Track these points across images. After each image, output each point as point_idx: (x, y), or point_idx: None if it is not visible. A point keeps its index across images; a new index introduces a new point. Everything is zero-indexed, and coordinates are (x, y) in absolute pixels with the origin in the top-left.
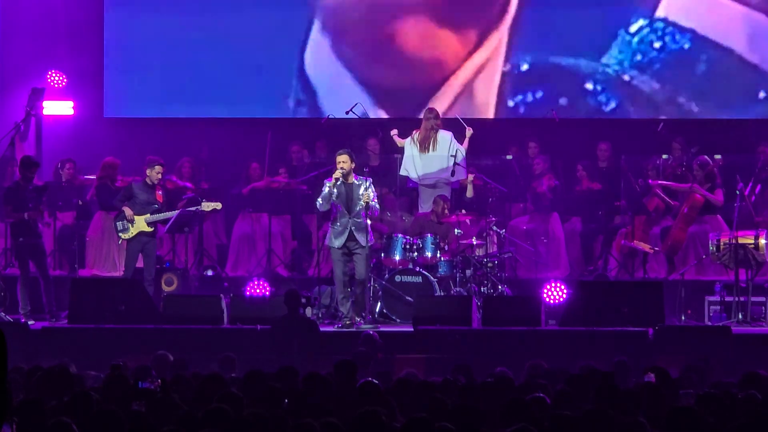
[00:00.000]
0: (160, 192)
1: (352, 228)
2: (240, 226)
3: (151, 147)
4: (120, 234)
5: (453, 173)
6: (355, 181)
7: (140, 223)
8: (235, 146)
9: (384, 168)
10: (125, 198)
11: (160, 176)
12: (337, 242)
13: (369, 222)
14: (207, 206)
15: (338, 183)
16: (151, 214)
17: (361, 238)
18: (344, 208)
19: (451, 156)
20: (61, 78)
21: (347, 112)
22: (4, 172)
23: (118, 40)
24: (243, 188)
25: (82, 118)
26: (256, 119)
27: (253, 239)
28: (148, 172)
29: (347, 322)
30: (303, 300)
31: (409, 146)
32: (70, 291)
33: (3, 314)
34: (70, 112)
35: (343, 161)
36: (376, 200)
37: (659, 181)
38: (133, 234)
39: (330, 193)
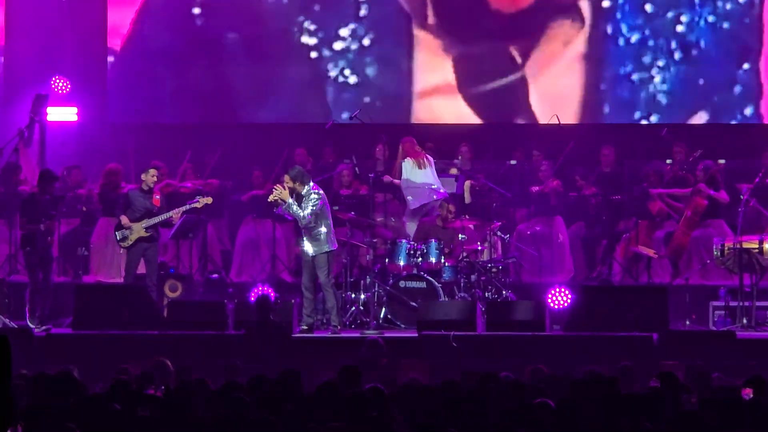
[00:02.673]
0: (158, 196)
1: (305, 236)
2: (244, 231)
3: (154, 153)
4: (120, 243)
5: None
6: (302, 192)
7: (138, 230)
8: (240, 151)
9: (389, 174)
10: (125, 207)
11: (155, 179)
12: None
13: (322, 229)
14: (200, 202)
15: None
16: (148, 219)
17: (308, 247)
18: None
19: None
20: (65, 84)
21: (351, 118)
22: (8, 179)
23: (121, 46)
24: (244, 195)
25: (87, 124)
26: (260, 125)
27: (257, 245)
28: (143, 176)
29: (304, 328)
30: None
31: (407, 168)
32: (74, 297)
33: (7, 320)
34: (74, 118)
35: (285, 181)
36: (304, 208)
37: (659, 190)
38: (133, 241)
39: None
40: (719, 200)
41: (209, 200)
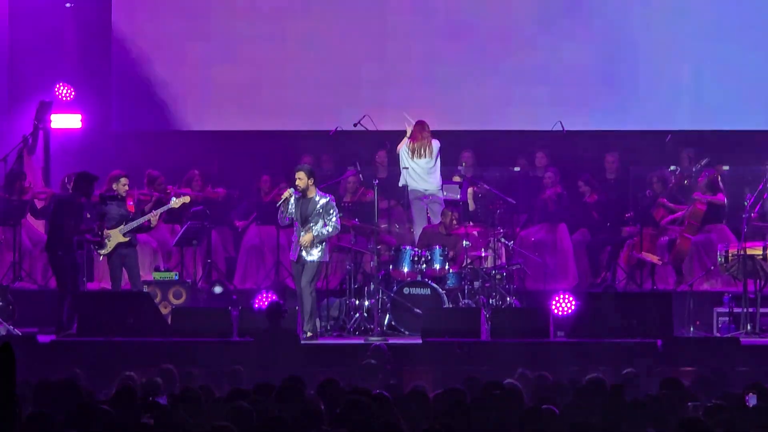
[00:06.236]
0: (131, 203)
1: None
2: (248, 238)
3: (158, 160)
4: (99, 251)
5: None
6: (315, 197)
7: (116, 236)
8: (244, 159)
9: (392, 180)
10: (98, 216)
11: (126, 188)
12: (293, 255)
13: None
14: (176, 202)
15: (292, 199)
16: (125, 225)
17: (307, 254)
18: (299, 222)
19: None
20: (69, 91)
21: (355, 125)
22: (12, 187)
23: (125, 53)
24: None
25: (90, 131)
26: (264, 131)
27: (261, 251)
28: (114, 186)
29: (309, 335)
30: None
31: (403, 153)
32: (78, 304)
33: (11, 327)
34: (78, 125)
35: (299, 177)
36: (329, 224)
37: (666, 221)
38: (111, 248)
39: (286, 207)
40: (716, 203)
41: (186, 199)
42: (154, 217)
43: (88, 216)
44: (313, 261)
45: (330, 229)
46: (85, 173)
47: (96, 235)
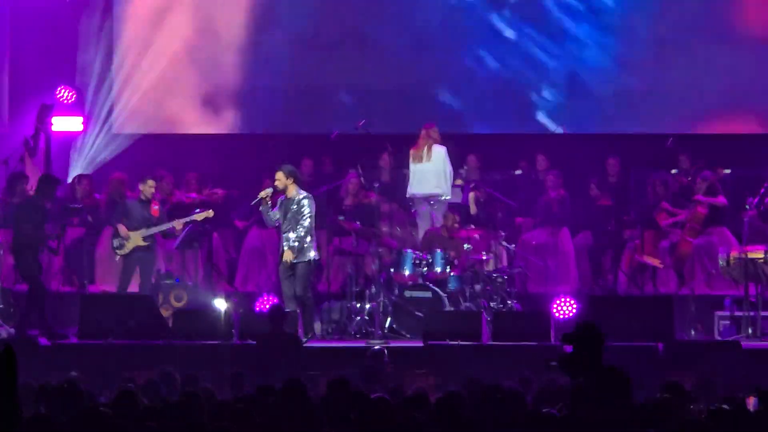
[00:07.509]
0: (156, 206)
1: (284, 244)
2: (249, 240)
3: (159, 162)
4: (117, 251)
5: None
6: (294, 197)
7: (135, 239)
8: (245, 162)
9: (395, 183)
10: (121, 215)
11: (153, 190)
12: (280, 258)
13: (307, 238)
14: (199, 216)
15: (267, 199)
16: (146, 228)
17: (289, 255)
18: (281, 222)
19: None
20: (70, 94)
21: (357, 128)
22: (14, 189)
23: (126, 55)
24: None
25: (92, 134)
26: (266, 134)
27: (262, 254)
28: (141, 187)
29: (305, 338)
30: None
31: (410, 160)
32: (79, 307)
33: (12, 330)
34: (80, 127)
35: (277, 178)
36: (298, 227)
37: (668, 219)
38: (129, 249)
39: (266, 209)
40: (717, 205)
41: (210, 213)
42: (178, 224)
43: (91, 219)
44: (297, 263)
45: (297, 235)
46: (46, 176)
47: (54, 240)
